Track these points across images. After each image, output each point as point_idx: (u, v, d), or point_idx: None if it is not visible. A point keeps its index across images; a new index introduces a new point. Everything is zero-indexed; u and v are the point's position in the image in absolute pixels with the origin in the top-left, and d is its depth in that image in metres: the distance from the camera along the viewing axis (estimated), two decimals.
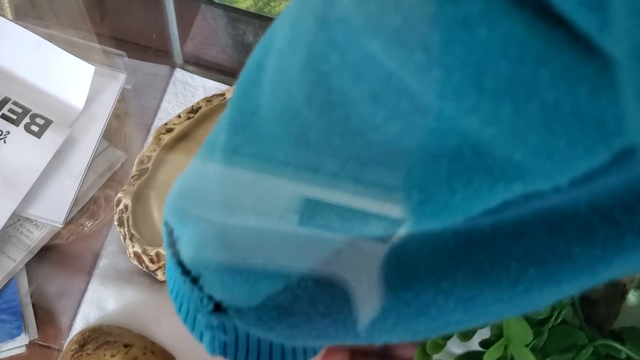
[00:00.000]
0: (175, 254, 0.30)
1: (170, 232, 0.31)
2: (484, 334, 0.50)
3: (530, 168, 0.18)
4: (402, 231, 0.22)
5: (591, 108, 0.16)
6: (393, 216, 0.21)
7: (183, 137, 0.62)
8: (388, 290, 0.25)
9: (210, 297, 0.28)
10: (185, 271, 0.29)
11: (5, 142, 0.59)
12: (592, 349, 0.47)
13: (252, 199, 0.25)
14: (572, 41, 0.16)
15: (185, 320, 0.32)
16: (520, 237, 0.22)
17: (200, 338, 0.31)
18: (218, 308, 0.28)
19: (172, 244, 0.30)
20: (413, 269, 0.24)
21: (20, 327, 0.56)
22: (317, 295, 0.26)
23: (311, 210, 0.23)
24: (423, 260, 0.24)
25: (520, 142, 0.17)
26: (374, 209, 0.22)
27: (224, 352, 0.30)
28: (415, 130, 0.19)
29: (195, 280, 0.29)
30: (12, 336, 0.56)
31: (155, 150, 0.60)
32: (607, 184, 0.19)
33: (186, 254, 0.29)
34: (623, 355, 0.47)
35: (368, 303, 0.25)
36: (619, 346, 0.47)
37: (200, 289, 0.28)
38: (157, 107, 0.67)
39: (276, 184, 0.24)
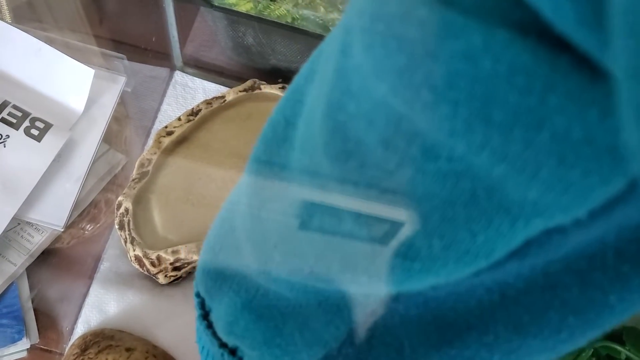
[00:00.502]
0: (209, 326, 0.29)
1: (201, 304, 0.30)
2: None
3: (547, 204, 0.17)
4: (432, 283, 0.22)
5: (602, 133, 0.16)
6: (418, 265, 0.21)
7: (183, 139, 0.62)
8: (430, 350, 0.24)
9: None
10: (221, 344, 0.28)
11: (5, 146, 0.58)
12: (592, 350, 0.48)
13: (281, 254, 0.25)
14: (577, 66, 0.15)
15: None
16: (553, 289, 0.22)
17: None
18: None
19: (205, 316, 0.29)
20: (453, 326, 0.24)
21: (21, 331, 0.56)
22: None
23: (339, 265, 0.23)
24: (461, 317, 0.23)
25: (534, 178, 0.17)
26: (397, 259, 0.21)
27: None
28: (427, 175, 0.19)
29: (233, 353, 0.28)
30: (14, 341, 0.56)
31: (155, 153, 0.60)
32: (629, 219, 0.19)
33: (220, 326, 0.28)
34: (623, 357, 0.47)
35: None
36: (618, 347, 0.47)
37: None
38: (157, 110, 0.67)
39: (305, 238, 0.24)
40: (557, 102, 0.16)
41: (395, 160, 0.19)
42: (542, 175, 0.17)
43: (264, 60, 0.67)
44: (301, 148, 0.24)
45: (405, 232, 0.20)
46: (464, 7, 0.16)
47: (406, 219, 0.20)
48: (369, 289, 0.24)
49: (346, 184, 0.21)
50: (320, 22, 0.60)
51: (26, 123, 0.59)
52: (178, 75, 0.69)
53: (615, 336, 0.49)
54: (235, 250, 0.28)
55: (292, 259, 0.25)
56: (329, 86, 0.21)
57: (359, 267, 0.23)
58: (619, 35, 0.13)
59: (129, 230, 0.57)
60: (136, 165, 0.60)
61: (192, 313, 0.58)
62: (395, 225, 0.21)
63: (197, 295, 0.31)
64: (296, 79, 0.27)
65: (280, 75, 0.67)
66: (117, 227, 0.59)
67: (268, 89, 0.64)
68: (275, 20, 0.60)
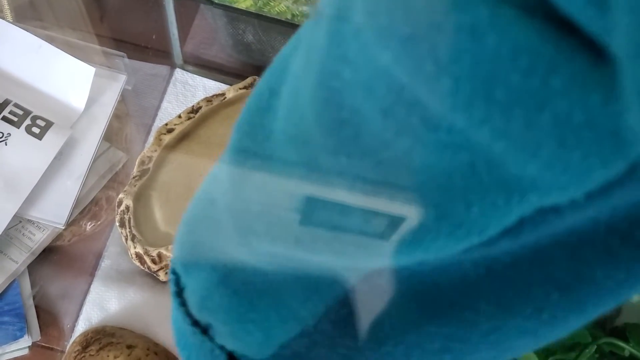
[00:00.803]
0: (183, 304, 0.29)
1: (176, 281, 0.30)
2: None
3: (545, 181, 0.17)
4: (420, 258, 0.21)
5: (604, 117, 0.15)
6: (408, 237, 0.21)
7: (184, 137, 0.62)
8: (411, 326, 0.24)
9: (222, 348, 0.27)
10: (194, 322, 0.28)
11: (6, 144, 0.59)
12: (595, 347, 0.47)
13: (263, 224, 0.24)
14: (581, 49, 0.15)
15: None
16: (541, 263, 0.21)
17: None
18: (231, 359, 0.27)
19: (179, 293, 0.29)
20: (434, 302, 0.23)
21: (23, 328, 0.56)
22: (336, 338, 0.25)
23: (324, 236, 0.23)
24: (444, 293, 0.23)
25: (533, 156, 0.17)
26: (388, 230, 0.21)
27: None
28: (426, 145, 0.18)
29: (205, 331, 0.27)
30: (15, 338, 0.56)
31: (156, 150, 0.60)
32: (625, 199, 0.19)
33: (193, 303, 0.28)
34: (626, 353, 0.47)
35: (391, 340, 0.25)
36: (622, 344, 0.47)
37: (211, 339, 0.27)
38: (158, 108, 0.67)
39: (289, 209, 0.23)
40: (559, 84, 0.15)
41: (394, 129, 0.19)
42: (541, 154, 0.16)
43: (264, 57, 0.67)
44: (287, 117, 0.23)
45: (398, 201, 0.20)
46: None
47: (400, 190, 0.20)
48: (353, 264, 0.23)
49: (338, 155, 0.21)
50: None
51: (27, 121, 0.59)
52: (178, 73, 0.69)
53: (619, 333, 0.49)
54: (214, 223, 0.27)
55: (276, 230, 0.24)
56: (321, 52, 0.20)
57: (347, 240, 0.22)
58: (620, 12, 0.13)
59: (130, 228, 0.58)
60: (137, 163, 0.60)
61: None
62: (388, 197, 0.20)
63: (173, 272, 0.30)
64: (282, 50, 0.26)
65: None
66: (117, 224, 0.59)
67: None
68: (275, 17, 0.60)
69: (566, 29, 0.15)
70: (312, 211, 0.22)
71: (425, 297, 0.23)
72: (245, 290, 0.26)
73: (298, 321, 0.25)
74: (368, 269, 0.23)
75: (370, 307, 0.25)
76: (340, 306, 0.25)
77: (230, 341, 0.27)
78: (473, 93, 0.16)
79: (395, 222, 0.21)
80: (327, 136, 0.21)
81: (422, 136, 0.18)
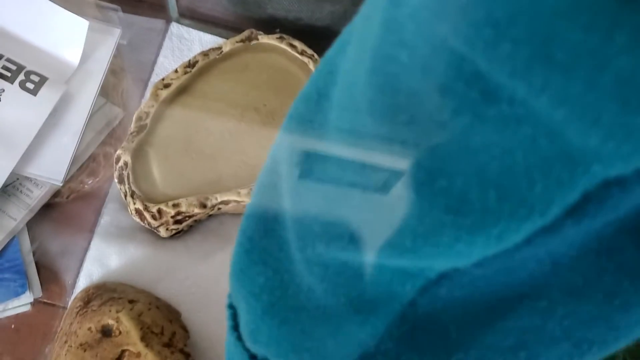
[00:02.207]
0: (240, 338, 0.28)
1: (233, 315, 0.29)
2: None
3: (608, 152, 0.16)
4: (482, 250, 0.20)
5: None
6: (469, 223, 0.20)
7: (181, 91, 0.61)
8: (481, 328, 0.23)
9: None
10: (251, 356, 0.27)
11: (0, 100, 0.58)
12: None
13: (321, 222, 0.24)
14: None
15: None
16: (609, 253, 0.21)
17: None
18: None
19: (235, 327, 0.28)
20: (503, 300, 0.23)
21: (24, 285, 0.56)
22: (401, 356, 0.24)
23: (381, 229, 0.22)
24: (511, 290, 0.22)
25: (595, 123, 0.16)
26: (448, 219, 0.20)
27: None
28: (487, 120, 0.18)
29: None
30: (17, 294, 0.56)
31: (153, 106, 0.60)
32: None
33: (246, 337, 0.27)
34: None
35: (462, 347, 0.24)
36: None
37: None
38: (154, 62, 0.66)
39: (346, 202, 0.23)
40: (623, 40, 0.15)
41: (453, 107, 0.18)
42: (603, 120, 0.16)
43: (261, 9, 0.66)
44: (340, 116, 0.23)
45: (457, 186, 0.19)
46: None
47: (458, 172, 0.19)
48: (412, 260, 0.22)
49: (392, 142, 0.20)
50: None
51: (21, 76, 0.59)
52: (174, 27, 0.68)
53: None
54: (267, 237, 0.27)
55: (332, 228, 0.24)
56: (375, 41, 0.20)
57: (407, 228, 0.21)
58: None
59: (129, 184, 0.57)
60: (134, 119, 0.60)
61: (194, 266, 0.58)
62: (447, 179, 0.20)
63: (230, 306, 0.30)
64: (327, 52, 0.26)
65: (278, 25, 0.66)
66: (116, 180, 0.58)
67: (265, 39, 0.63)
68: None
69: None
70: (366, 204, 0.22)
71: (493, 298, 0.23)
72: (296, 318, 0.25)
73: (358, 345, 0.24)
74: (428, 274, 0.23)
75: (433, 317, 0.24)
76: (401, 322, 0.24)
77: None
78: (532, 56, 0.16)
79: (457, 206, 0.20)
80: (382, 124, 0.20)
81: (482, 111, 0.18)
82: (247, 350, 0.28)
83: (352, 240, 0.23)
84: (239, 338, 0.28)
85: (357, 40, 0.23)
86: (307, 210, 0.25)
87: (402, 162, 0.20)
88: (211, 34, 0.67)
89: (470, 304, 0.23)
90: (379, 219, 0.22)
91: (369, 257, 0.23)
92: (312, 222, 0.25)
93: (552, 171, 0.18)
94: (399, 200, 0.21)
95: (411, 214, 0.21)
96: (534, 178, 0.18)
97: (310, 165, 0.25)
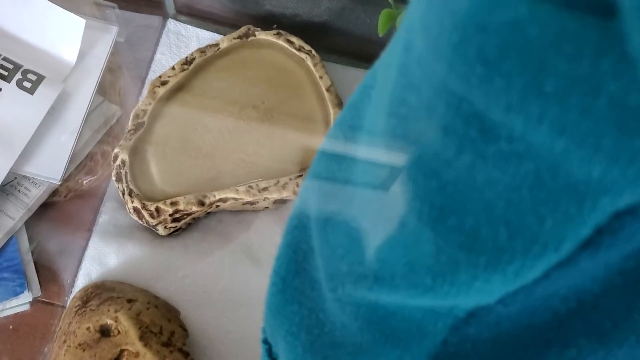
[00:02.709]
0: None
1: (268, 351, 0.30)
2: None
3: (614, 179, 0.16)
4: (501, 289, 0.21)
5: None
6: (484, 262, 0.20)
7: (178, 89, 0.61)
8: None
9: None
10: None
11: None
12: None
13: (349, 261, 0.25)
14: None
15: None
16: (633, 288, 0.21)
17: None
18: None
19: None
20: (530, 345, 0.23)
21: (23, 284, 0.56)
22: None
23: (406, 266, 0.22)
24: (538, 334, 0.22)
25: (596, 150, 0.16)
26: (462, 257, 0.20)
27: None
28: (488, 159, 0.18)
29: None
30: (16, 294, 0.56)
31: (150, 103, 0.59)
32: None
33: None
34: None
35: None
36: None
37: None
38: (151, 60, 0.66)
39: (369, 247, 0.23)
40: (610, 66, 0.15)
41: (455, 146, 0.19)
42: (604, 146, 0.16)
43: (258, 6, 0.65)
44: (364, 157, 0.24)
45: (469, 223, 0.20)
46: None
47: (468, 210, 0.20)
48: (434, 300, 0.22)
49: (406, 182, 0.21)
50: None
51: (18, 75, 0.58)
52: (171, 24, 0.67)
53: None
54: (299, 276, 0.27)
55: (358, 267, 0.24)
56: (391, 86, 0.21)
57: (425, 266, 0.22)
58: None
59: (127, 182, 0.57)
60: (131, 117, 0.60)
61: (192, 264, 0.58)
62: (458, 217, 0.20)
63: (265, 341, 0.30)
64: (351, 97, 0.27)
65: (275, 21, 0.66)
66: (114, 179, 0.58)
67: (263, 36, 0.63)
68: None
69: (611, 11, 0.15)
70: (386, 243, 0.23)
71: (520, 342, 0.23)
72: (335, 355, 0.26)
73: None
74: (456, 313, 0.23)
75: (464, 358, 0.24)
76: (434, 359, 0.24)
77: None
78: (525, 88, 0.16)
79: (470, 244, 0.20)
80: (395, 163, 0.21)
81: (483, 149, 0.18)
82: None
83: (377, 279, 0.24)
84: None
85: (379, 85, 0.24)
86: (334, 249, 0.26)
87: (416, 202, 0.21)
88: (208, 30, 0.67)
89: (499, 348, 0.23)
90: (399, 258, 0.23)
91: (395, 297, 0.24)
92: (339, 261, 0.25)
93: (559, 206, 0.18)
94: (417, 238, 0.21)
95: (429, 252, 0.21)
96: (542, 214, 0.18)
97: (334, 203, 0.26)
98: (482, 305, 0.22)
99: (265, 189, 0.57)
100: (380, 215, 0.23)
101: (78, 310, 0.54)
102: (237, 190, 0.56)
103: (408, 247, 0.22)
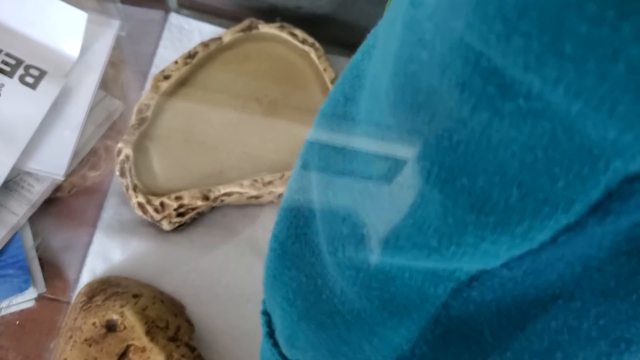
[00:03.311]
0: (276, 345, 0.28)
1: (268, 322, 0.29)
2: None
3: (628, 144, 0.16)
4: (508, 251, 0.21)
5: None
6: (492, 221, 0.20)
7: (181, 83, 0.61)
8: (514, 331, 0.23)
9: None
10: None
11: (0, 95, 0.57)
12: None
13: (350, 223, 0.24)
14: None
15: None
16: (639, 253, 0.21)
17: None
18: None
19: (271, 334, 0.29)
20: (535, 302, 0.23)
21: (27, 280, 0.56)
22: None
23: (411, 227, 0.22)
24: (543, 292, 0.22)
25: (611, 115, 0.16)
26: (471, 218, 0.20)
27: None
28: (505, 116, 0.18)
29: None
30: (21, 290, 0.56)
31: (153, 98, 0.59)
32: None
33: (282, 344, 0.28)
34: None
35: (497, 350, 0.24)
36: None
37: None
38: (153, 54, 0.66)
39: (373, 208, 0.23)
40: (631, 30, 0.15)
41: (471, 104, 0.18)
42: (619, 111, 0.16)
43: None
44: (366, 118, 0.23)
45: (479, 184, 0.19)
46: None
47: (480, 170, 0.19)
48: (439, 262, 0.22)
49: (414, 142, 0.20)
50: None
51: (20, 71, 0.58)
52: (173, 17, 0.67)
53: None
54: (298, 241, 0.27)
55: (361, 229, 0.24)
56: (397, 43, 0.21)
57: (431, 227, 0.21)
58: None
59: (131, 177, 0.57)
60: (134, 111, 0.59)
61: (197, 259, 0.58)
62: (469, 178, 0.20)
63: (264, 312, 0.30)
64: (353, 57, 0.27)
65: (278, 14, 0.65)
66: (118, 174, 0.58)
67: (266, 29, 0.62)
68: None
69: None
70: (391, 204, 0.22)
71: (524, 300, 0.23)
72: (332, 323, 0.26)
73: (393, 349, 0.24)
74: (459, 276, 0.23)
75: (467, 321, 0.24)
76: (435, 325, 0.24)
77: None
78: (543, 49, 0.16)
79: (480, 205, 0.20)
80: (404, 124, 0.21)
81: (500, 106, 0.18)
82: (283, 356, 0.28)
83: (380, 241, 0.23)
84: (275, 345, 0.28)
85: (382, 43, 0.23)
86: (335, 211, 0.25)
87: (425, 162, 0.20)
88: (211, 24, 0.67)
89: (503, 307, 0.23)
90: (404, 219, 0.22)
91: (398, 260, 0.23)
92: (340, 224, 0.25)
93: (573, 167, 0.18)
94: (424, 199, 0.21)
95: (435, 213, 0.21)
96: (555, 174, 0.18)
97: (337, 165, 0.25)
98: (486, 269, 0.22)
99: (270, 182, 0.56)
100: (385, 176, 0.23)
101: (83, 305, 0.54)
102: (242, 184, 0.56)
103: (414, 209, 0.22)
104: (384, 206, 0.23)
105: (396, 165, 0.22)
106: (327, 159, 0.26)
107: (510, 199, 0.19)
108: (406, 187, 0.21)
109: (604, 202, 0.18)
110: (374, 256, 0.24)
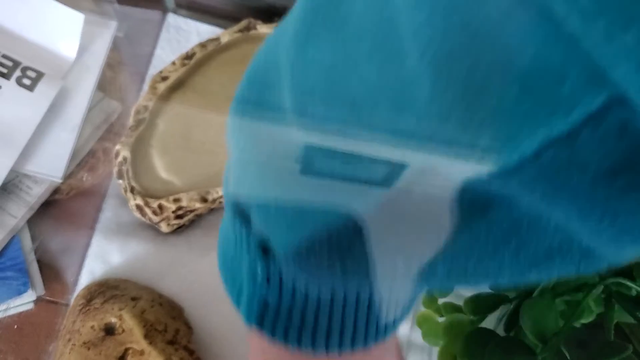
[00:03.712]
0: (229, 194, 0.28)
1: (235, 207, 0.29)
2: None
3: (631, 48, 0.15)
4: (506, 156, 0.19)
5: None
6: (478, 118, 0.18)
7: (179, 84, 0.60)
8: (460, 224, 0.23)
9: (259, 242, 0.27)
10: (238, 210, 0.27)
11: None
12: (602, 287, 0.47)
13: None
14: None
15: (226, 279, 0.30)
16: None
17: (238, 300, 0.29)
18: (265, 252, 0.27)
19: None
20: (487, 199, 0.22)
21: (26, 283, 0.56)
22: (379, 231, 0.24)
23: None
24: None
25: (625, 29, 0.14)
26: (460, 108, 0.19)
27: (261, 318, 0.28)
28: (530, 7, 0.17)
29: (245, 221, 0.27)
30: (19, 293, 0.56)
31: (151, 99, 0.59)
32: None
33: (233, 186, 0.27)
34: (633, 292, 0.47)
35: (436, 238, 0.23)
36: (629, 283, 0.47)
37: (249, 228, 0.27)
38: (151, 55, 0.65)
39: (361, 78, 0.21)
40: None
41: None
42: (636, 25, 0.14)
43: None
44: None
45: (479, 74, 0.18)
46: None
47: (482, 59, 0.18)
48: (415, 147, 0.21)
49: (417, 14, 0.19)
50: None
51: (17, 73, 0.58)
52: (171, 18, 0.67)
53: (626, 272, 0.48)
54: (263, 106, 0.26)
55: (337, 90, 0.22)
56: None
57: (412, 107, 0.20)
58: None
59: (129, 179, 0.57)
60: (132, 113, 0.59)
61: (196, 261, 0.58)
62: (470, 65, 0.18)
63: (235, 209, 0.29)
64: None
65: (276, 14, 0.65)
66: (116, 176, 0.58)
67: (264, 29, 0.62)
68: None
69: None
70: (367, 76, 0.20)
71: (477, 195, 0.22)
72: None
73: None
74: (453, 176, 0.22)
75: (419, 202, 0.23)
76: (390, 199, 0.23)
77: (264, 225, 0.26)
78: None
79: (467, 96, 0.18)
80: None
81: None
82: (234, 204, 0.28)
83: (355, 105, 0.21)
84: (228, 194, 0.28)
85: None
86: (308, 75, 0.23)
87: (424, 37, 0.19)
88: (209, 24, 0.66)
89: (459, 197, 0.22)
90: (385, 91, 0.20)
91: (373, 131, 0.22)
92: (311, 90, 0.23)
93: (583, 70, 0.16)
94: (412, 77, 0.19)
95: (421, 96, 0.19)
96: (567, 73, 0.17)
97: (323, 27, 0.23)
98: (474, 179, 0.21)
99: None
100: (374, 43, 0.20)
101: (82, 308, 0.54)
102: None
103: (400, 86, 0.20)
104: (363, 73, 0.21)
105: (388, 34, 0.20)
106: (312, 15, 0.24)
107: (507, 95, 0.18)
108: (394, 58, 0.20)
109: (602, 111, 0.17)
110: (344, 121, 0.22)
